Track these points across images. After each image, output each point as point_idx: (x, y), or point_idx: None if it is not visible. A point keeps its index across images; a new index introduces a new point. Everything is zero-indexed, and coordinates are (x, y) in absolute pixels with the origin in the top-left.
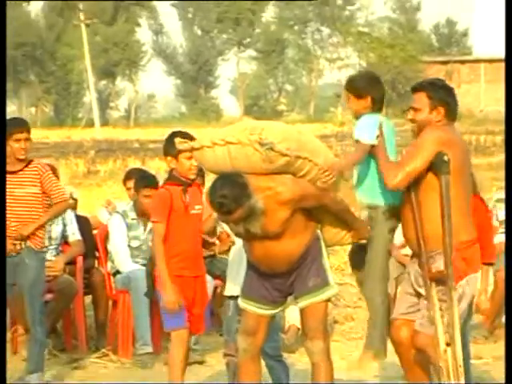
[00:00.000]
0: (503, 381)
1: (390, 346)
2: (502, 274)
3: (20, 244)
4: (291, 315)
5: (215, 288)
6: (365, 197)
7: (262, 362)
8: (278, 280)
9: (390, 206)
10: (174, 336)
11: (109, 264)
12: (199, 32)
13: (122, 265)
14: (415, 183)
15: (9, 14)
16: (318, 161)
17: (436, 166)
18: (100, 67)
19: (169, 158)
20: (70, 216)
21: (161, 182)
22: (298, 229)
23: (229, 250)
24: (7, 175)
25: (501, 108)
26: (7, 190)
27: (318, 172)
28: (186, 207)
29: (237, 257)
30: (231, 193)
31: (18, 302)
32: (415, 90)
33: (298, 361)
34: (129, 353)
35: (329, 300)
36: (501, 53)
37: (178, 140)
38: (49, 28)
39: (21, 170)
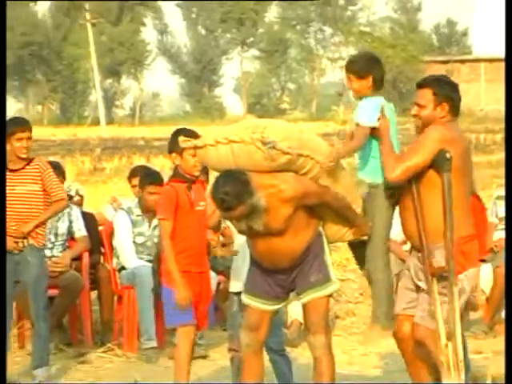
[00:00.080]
0: (502, 375)
1: (388, 340)
2: (502, 270)
3: (22, 242)
4: (294, 310)
5: (218, 284)
6: (367, 176)
7: (266, 357)
8: (281, 276)
9: (390, 184)
10: (181, 332)
11: (114, 260)
12: (203, 32)
13: (127, 261)
14: (417, 179)
15: (16, 15)
16: (319, 158)
17: (438, 163)
18: (106, 66)
19: (173, 154)
20: (76, 212)
21: (165, 179)
22: (300, 226)
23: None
24: (9, 173)
25: (500, 107)
26: (9, 187)
27: (320, 169)
28: (192, 204)
29: (241, 253)
30: (233, 189)
31: (23, 298)
32: (420, 86)
33: (301, 355)
34: (134, 347)
35: (330, 295)
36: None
37: (181, 138)
38: (55, 28)
39: (22, 169)
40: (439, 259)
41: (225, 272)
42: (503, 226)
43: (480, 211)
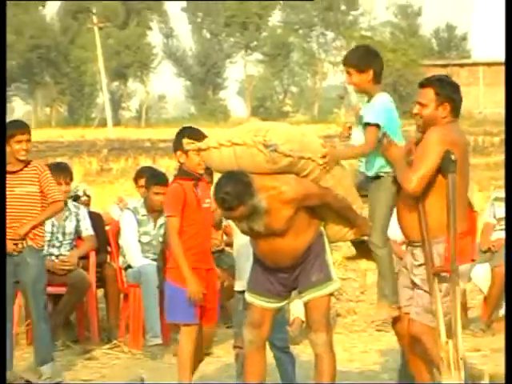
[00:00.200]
0: (500, 372)
1: (388, 338)
2: (500, 270)
3: (21, 243)
4: (296, 308)
5: (222, 282)
6: (372, 168)
7: (270, 354)
8: (283, 275)
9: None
10: (184, 331)
11: (120, 259)
12: (208, 35)
13: (133, 259)
14: None
15: (25, 18)
16: (320, 160)
17: (443, 165)
18: (112, 69)
19: (178, 153)
20: (83, 212)
21: (170, 180)
22: (301, 226)
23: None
24: (8, 175)
25: (499, 110)
26: (8, 189)
27: (321, 171)
28: (199, 201)
29: (244, 253)
30: (234, 190)
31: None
32: (423, 85)
33: (303, 352)
34: (139, 344)
35: (332, 294)
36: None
37: (185, 141)
38: (63, 31)
39: (21, 170)
40: (436, 253)
41: (229, 270)
42: (501, 227)
43: (469, 213)
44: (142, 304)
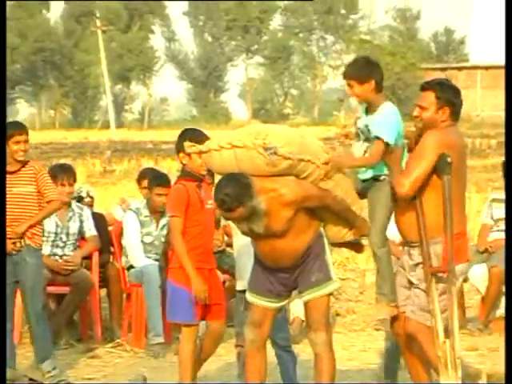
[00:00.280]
0: (497, 371)
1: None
2: (497, 270)
3: (20, 242)
4: (296, 308)
5: (223, 282)
6: (368, 171)
7: (271, 353)
8: (283, 275)
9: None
10: (184, 331)
11: (123, 259)
12: (210, 39)
13: (136, 260)
14: None
15: (29, 22)
16: (319, 163)
17: (439, 166)
18: (115, 72)
19: (181, 154)
20: (86, 213)
21: (173, 181)
22: (301, 227)
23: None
24: (7, 175)
25: (496, 113)
26: (6, 189)
27: (320, 173)
28: (202, 202)
29: (245, 253)
30: (233, 191)
31: None
32: (424, 88)
33: (302, 351)
34: (142, 343)
35: (331, 294)
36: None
37: (186, 144)
38: (67, 35)
39: (19, 170)
40: (432, 253)
41: (230, 271)
42: (498, 228)
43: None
44: (144, 303)
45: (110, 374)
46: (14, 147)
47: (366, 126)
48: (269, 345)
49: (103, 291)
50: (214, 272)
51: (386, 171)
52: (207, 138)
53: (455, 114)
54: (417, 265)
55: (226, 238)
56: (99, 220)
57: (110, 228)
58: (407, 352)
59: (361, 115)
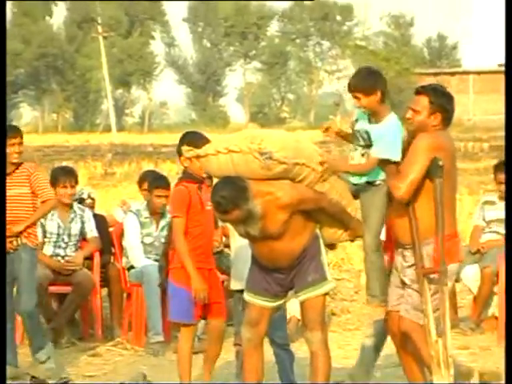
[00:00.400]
0: (488, 369)
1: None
2: (488, 270)
3: (16, 241)
4: (292, 307)
5: (222, 282)
6: (362, 178)
7: (269, 352)
8: (280, 275)
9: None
10: (183, 331)
11: (124, 259)
12: (208, 45)
13: (136, 260)
14: None
15: (32, 28)
16: (314, 166)
17: (431, 170)
18: (116, 77)
19: (182, 157)
20: (88, 214)
21: (172, 184)
22: (297, 229)
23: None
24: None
25: (488, 117)
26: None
27: (316, 176)
28: (202, 203)
29: (242, 254)
30: (229, 194)
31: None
32: (418, 92)
33: (298, 349)
34: (142, 341)
35: (327, 294)
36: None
37: (185, 148)
38: (69, 40)
39: (13, 172)
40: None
41: (227, 271)
42: (490, 229)
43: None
44: (144, 303)
45: (111, 372)
46: (8, 150)
47: (367, 133)
48: (266, 343)
49: (104, 291)
50: (213, 272)
51: (381, 177)
52: (207, 141)
53: (447, 120)
54: (410, 266)
55: (224, 238)
56: (100, 221)
57: (111, 229)
58: (402, 351)
59: (359, 118)
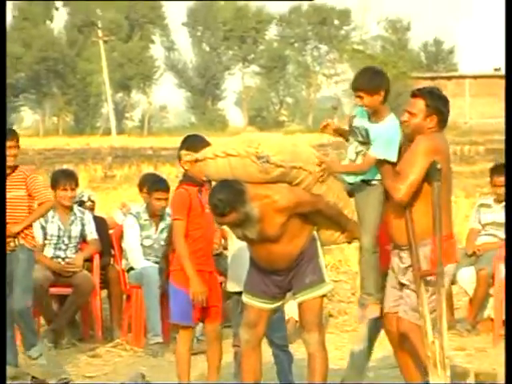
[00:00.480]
0: (484, 370)
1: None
2: (484, 273)
3: (14, 242)
4: (290, 309)
5: (220, 284)
6: (357, 177)
7: (268, 352)
8: (278, 277)
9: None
10: (181, 333)
11: (123, 261)
12: (207, 48)
13: (135, 262)
14: None
15: (33, 32)
16: (311, 169)
17: (429, 173)
18: (116, 81)
19: (182, 160)
20: (88, 217)
21: (172, 187)
22: (295, 232)
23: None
24: None
25: (484, 120)
26: None
27: (313, 179)
28: (202, 206)
29: (240, 256)
30: (226, 197)
31: (36, 296)
32: (414, 95)
33: (296, 351)
34: (141, 343)
35: (324, 296)
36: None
37: (183, 152)
38: (70, 44)
39: (9, 175)
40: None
41: (226, 273)
42: (486, 232)
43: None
44: (143, 304)
45: (111, 373)
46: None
47: (366, 131)
48: (265, 344)
49: (104, 292)
50: (213, 274)
51: (377, 176)
52: (207, 145)
53: (442, 122)
54: (407, 267)
55: (222, 240)
56: (100, 224)
57: (111, 231)
58: (400, 351)
59: (357, 115)
